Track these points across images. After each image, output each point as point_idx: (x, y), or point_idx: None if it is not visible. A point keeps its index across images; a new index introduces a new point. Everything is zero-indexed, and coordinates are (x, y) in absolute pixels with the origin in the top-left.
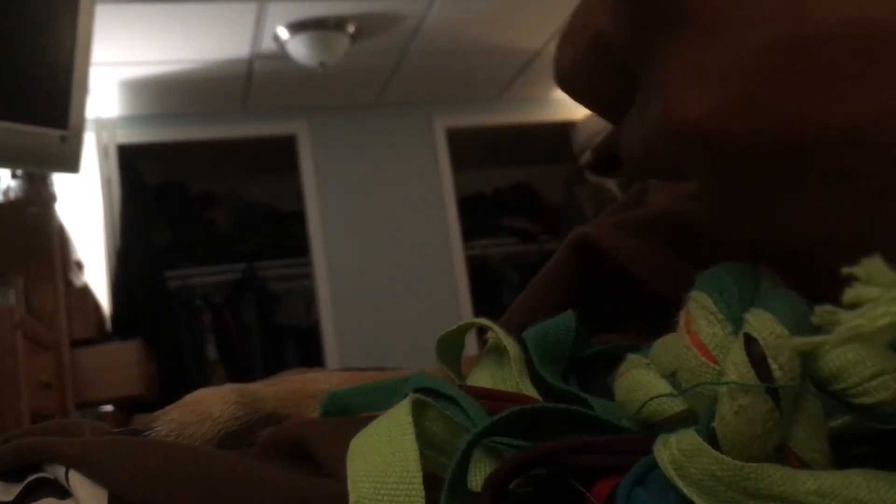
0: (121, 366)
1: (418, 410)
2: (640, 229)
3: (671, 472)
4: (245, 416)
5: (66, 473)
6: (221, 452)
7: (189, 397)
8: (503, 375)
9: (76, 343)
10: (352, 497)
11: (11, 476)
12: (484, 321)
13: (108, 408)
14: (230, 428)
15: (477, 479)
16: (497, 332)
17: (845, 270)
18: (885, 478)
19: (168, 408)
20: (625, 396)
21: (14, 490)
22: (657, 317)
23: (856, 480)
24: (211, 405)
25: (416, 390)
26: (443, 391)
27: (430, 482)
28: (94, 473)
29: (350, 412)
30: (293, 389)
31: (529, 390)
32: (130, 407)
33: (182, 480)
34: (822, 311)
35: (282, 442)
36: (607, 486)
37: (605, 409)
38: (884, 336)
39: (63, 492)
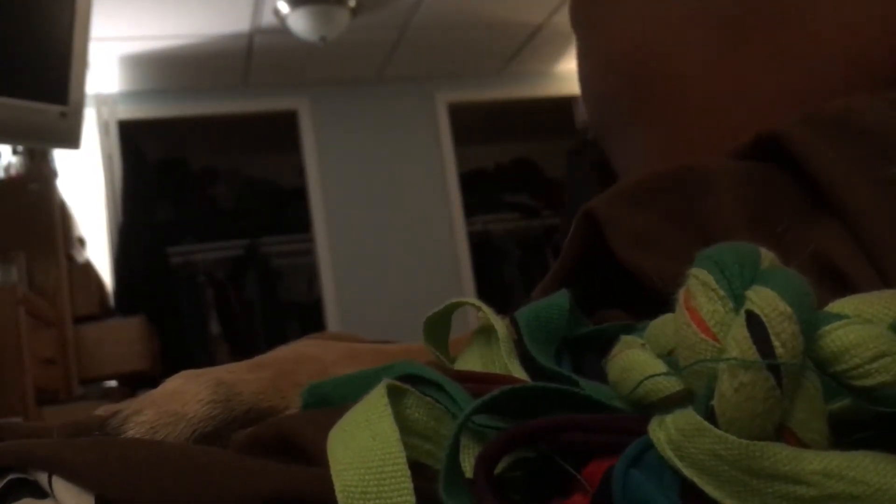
0: (124, 342)
1: (397, 397)
2: (643, 195)
3: (669, 453)
4: (221, 414)
5: (50, 478)
6: (207, 448)
7: (161, 392)
8: (493, 356)
9: (79, 319)
10: (337, 487)
11: None
12: (472, 300)
13: (112, 383)
14: (205, 428)
15: (466, 463)
16: (486, 312)
17: None
18: (892, 460)
19: (139, 404)
20: (619, 376)
21: None
22: (648, 292)
23: (863, 462)
24: (185, 403)
25: (400, 377)
26: (427, 376)
27: (416, 470)
28: (80, 478)
29: (331, 404)
30: (277, 376)
31: (518, 371)
32: (134, 382)
33: (172, 478)
34: None
35: (265, 438)
36: (600, 468)
37: (596, 390)
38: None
39: (42, 492)
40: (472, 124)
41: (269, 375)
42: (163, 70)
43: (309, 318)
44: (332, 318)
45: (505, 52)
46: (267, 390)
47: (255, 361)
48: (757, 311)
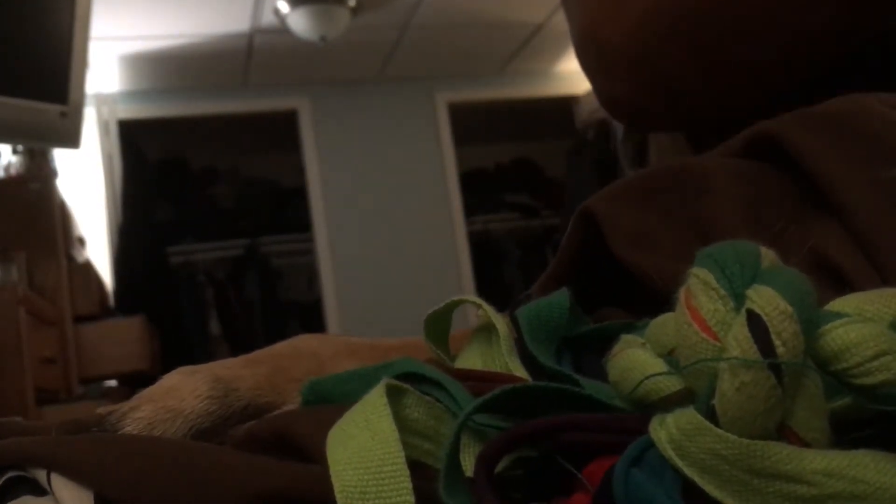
0: (124, 341)
1: (396, 396)
2: (640, 193)
3: (670, 453)
4: (218, 410)
5: (48, 475)
6: (205, 445)
7: (158, 388)
8: (493, 354)
9: (79, 319)
10: (336, 487)
11: None
12: (472, 298)
13: (112, 383)
14: (202, 424)
15: (466, 463)
16: (486, 310)
17: None
18: (893, 459)
19: (137, 401)
20: (619, 376)
21: None
22: (647, 292)
23: (864, 461)
24: (182, 400)
25: (400, 375)
26: (427, 375)
27: (415, 469)
28: (79, 475)
29: (331, 401)
30: (273, 372)
31: (518, 370)
32: (134, 382)
33: (170, 475)
34: None
35: (262, 434)
36: (601, 468)
37: (597, 390)
38: None
39: (41, 489)
40: (472, 124)
41: (266, 371)
42: (163, 70)
43: (309, 318)
44: (332, 318)
45: (505, 51)
46: (263, 386)
47: (250, 357)
48: (758, 310)
